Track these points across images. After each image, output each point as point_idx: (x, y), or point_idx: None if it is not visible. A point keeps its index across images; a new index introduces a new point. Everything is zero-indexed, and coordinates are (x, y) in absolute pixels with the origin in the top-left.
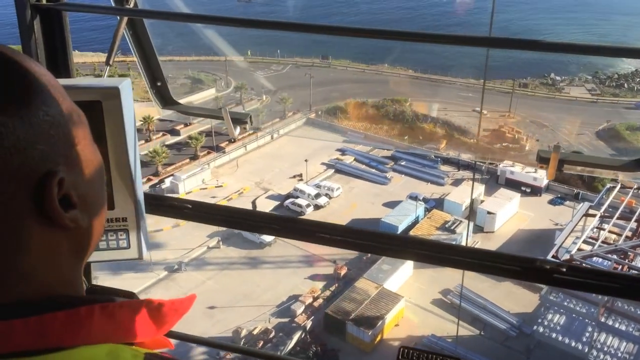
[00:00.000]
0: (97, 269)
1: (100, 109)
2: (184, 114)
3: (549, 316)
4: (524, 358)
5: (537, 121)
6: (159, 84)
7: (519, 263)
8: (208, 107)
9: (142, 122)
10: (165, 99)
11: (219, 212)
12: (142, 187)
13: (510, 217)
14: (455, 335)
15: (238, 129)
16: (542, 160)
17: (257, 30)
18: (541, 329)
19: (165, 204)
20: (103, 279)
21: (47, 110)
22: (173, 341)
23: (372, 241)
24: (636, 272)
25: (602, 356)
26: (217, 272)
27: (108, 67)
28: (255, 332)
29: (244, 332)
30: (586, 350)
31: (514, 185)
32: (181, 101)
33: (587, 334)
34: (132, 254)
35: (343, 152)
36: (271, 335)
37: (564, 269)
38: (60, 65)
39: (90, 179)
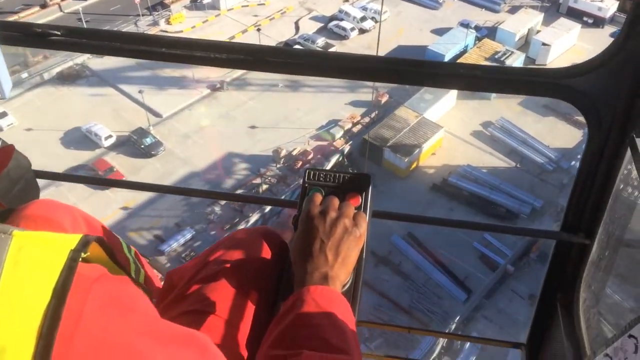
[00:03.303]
0: (140, 82)
1: None
2: None
3: None
4: (557, 191)
5: None
6: None
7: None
8: None
9: None
10: None
11: (101, 38)
12: None
13: (566, 49)
14: (491, 166)
15: None
16: None
17: None
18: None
19: (24, 32)
20: (149, 92)
21: None
22: None
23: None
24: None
25: (636, 193)
26: (259, 93)
27: None
28: (294, 153)
29: (283, 152)
30: (621, 186)
31: (577, 15)
32: None
33: None
34: None
35: None
36: (309, 157)
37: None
38: None
39: None
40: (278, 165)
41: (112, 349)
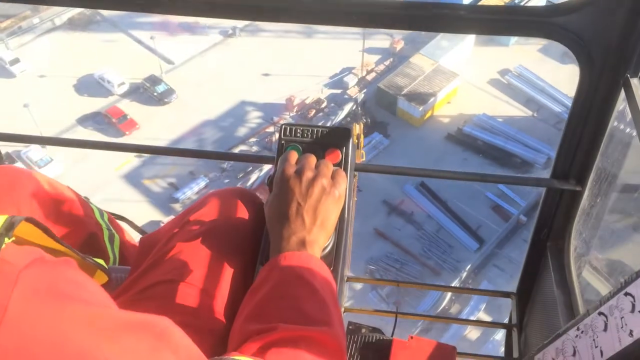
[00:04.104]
0: (152, 28)
1: None
2: None
3: None
4: None
5: None
6: None
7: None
8: None
9: None
10: None
11: None
12: None
13: None
14: (507, 115)
15: None
16: None
17: None
18: None
19: None
20: (161, 39)
21: None
22: None
23: None
24: None
25: (629, 133)
26: (272, 40)
27: None
28: (307, 102)
29: (296, 101)
30: (614, 130)
31: None
32: None
33: None
34: None
35: None
36: (323, 105)
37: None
38: None
39: None
40: (291, 114)
41: (44, 347)
